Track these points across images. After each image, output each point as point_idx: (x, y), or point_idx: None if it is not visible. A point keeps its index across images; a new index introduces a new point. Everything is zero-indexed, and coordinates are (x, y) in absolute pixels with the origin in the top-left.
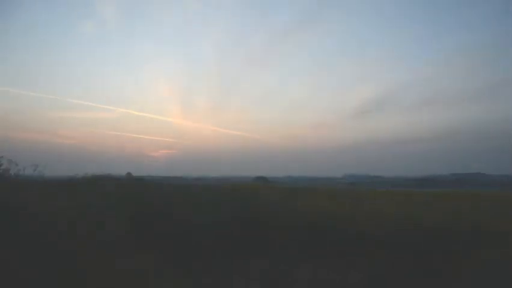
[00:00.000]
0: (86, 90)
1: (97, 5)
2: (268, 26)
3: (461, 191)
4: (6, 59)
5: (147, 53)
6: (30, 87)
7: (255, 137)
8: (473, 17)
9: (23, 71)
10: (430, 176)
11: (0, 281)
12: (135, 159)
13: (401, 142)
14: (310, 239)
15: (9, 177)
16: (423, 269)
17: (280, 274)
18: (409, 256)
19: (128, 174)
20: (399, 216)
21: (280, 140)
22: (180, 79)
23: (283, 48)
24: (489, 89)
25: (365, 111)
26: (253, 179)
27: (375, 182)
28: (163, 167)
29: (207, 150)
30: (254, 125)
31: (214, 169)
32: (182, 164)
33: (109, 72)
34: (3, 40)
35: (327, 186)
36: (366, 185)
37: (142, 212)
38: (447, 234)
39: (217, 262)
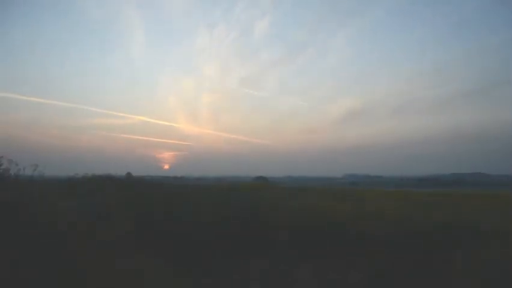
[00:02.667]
0: (108, 101)
1: (125, 39)
2: (262, 54)
3: (461, 191)
4: (45, 73)
5: (161, 73)
6: (65, 99)
7: (252, 140)
8: (443, 37)
9: (56, 84)
10: (430, 176)
11: (0, 281)
12: (142, 160)
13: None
14: (310, 239)
15: (9, 177)
16: (423, 269)
17: (280, 274)
18: (409, 256)
19: (128, 174)
20: (399, 216)
21: (273, 142)
22: (187, 93)
23: (274, 72)
24: (455, 98)
25: (347, 119)
26: (253, 179)
27: (375, 182)
28: (168, 168)
29: (209, 152)
30: (252, 130)
31: (215, 169)
32: (185, 165)
33: (129, 87)
34: (41, 56)
35: (327, 186)
36: (366, 185)
37: (142, 211)
38: (447, 234)
39: (217, 262)
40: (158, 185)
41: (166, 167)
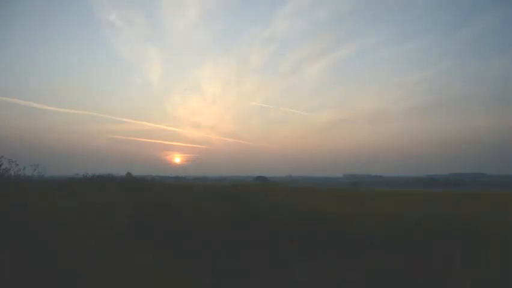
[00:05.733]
0: (127, 112)
1: (144, 68)
2: (257, 76)
3: (461, 191)
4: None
5: (172, 93)
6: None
7: (251, 143)
8: (404, 64)
9: (86, 99)
10: (430, 176)
11: (1, 279)
12: (152, 162)
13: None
14: (310, 238)
15: (9, 177)
16: (422, 268)
17: (280, 274)
18: (409, 256)
19: (128, 174)
20: (399, 216)
21: (270, 144)
22: (194, 106)
23: (267, 89)
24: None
25: (332, 126)
26: (254, 178)
27: (375, 182)
28: (176, 168)
29: (212, 154)
30: (250, 134)
31: (218, 170)
32: (191, 166)
33: (146, 103)
34: (77, 78)
35: (327, 186)
36: (366, 184)
37: (142, 211)
38: (447, 233)
39: (217, 261)
40: (157, 185)
41: (174, 167)
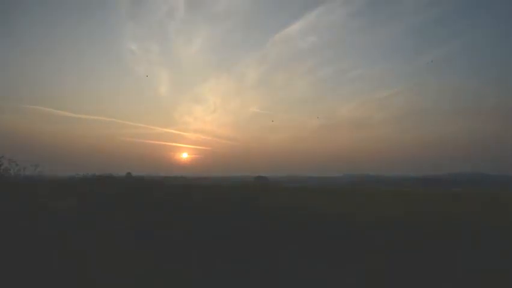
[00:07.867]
0: (139, 118)
1: (155, 82)
2: (253, 89)
3: (461, 191)
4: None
5: (179, 103)
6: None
7: (251, 144)
8: (384, 77)
9: (101, 107)
10: (430, 176)
11: (2, 278)
12: (158, 162)
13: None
14: (310, 238)
15: (9, 177)
16: (422, 268)
17: (280, 274)
18: (408, 255)
19: (128, 174)
20: (399, 215)
21: (269, 146)
22: (197, 113)
23: (263, 98)
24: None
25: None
26: (254, 178)
27: (375, 182)
28: (181, 168)
29: (214, 155)
30: (250, 136)
31: (217, 169)
32: (194, 166)
33: (156, 111)
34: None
35: (327, 185)
36: (366, 184)
37: (142, 210)
38: (447, 233)
39: (217, 261)
40: (156, 184)
41: (178, 167)
